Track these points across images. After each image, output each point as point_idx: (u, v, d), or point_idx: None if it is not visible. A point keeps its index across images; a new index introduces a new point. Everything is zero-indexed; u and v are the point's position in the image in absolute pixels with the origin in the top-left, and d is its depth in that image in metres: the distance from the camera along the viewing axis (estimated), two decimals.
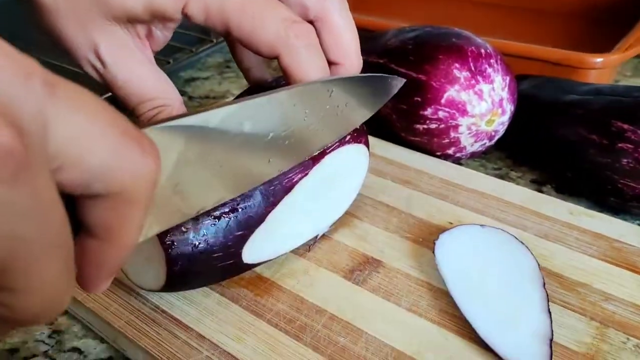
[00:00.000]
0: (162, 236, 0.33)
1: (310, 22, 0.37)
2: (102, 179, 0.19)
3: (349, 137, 0.40)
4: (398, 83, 0.42)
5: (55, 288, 0.18)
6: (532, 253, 0.38)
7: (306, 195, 0.38)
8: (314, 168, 0.38)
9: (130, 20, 0.35)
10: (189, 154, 0.26)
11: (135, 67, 0.36)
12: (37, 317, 0.19)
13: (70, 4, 0.33)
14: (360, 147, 0.42)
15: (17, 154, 0.15)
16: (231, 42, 0.44)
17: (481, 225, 0.41)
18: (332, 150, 0.39)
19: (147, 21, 0.35)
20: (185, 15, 0.34)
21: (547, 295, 0.36)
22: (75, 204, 0.20)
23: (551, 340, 0.33)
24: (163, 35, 0.37)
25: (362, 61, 0.39)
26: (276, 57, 0.34)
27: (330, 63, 0.38)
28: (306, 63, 0.34)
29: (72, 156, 0.18)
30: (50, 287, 0.18)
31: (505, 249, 0.39)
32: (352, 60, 0.38)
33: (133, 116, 0.37)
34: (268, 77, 0.45)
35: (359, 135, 0.41)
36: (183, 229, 0.34)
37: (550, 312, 0.34)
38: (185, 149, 0.26)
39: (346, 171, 0.41)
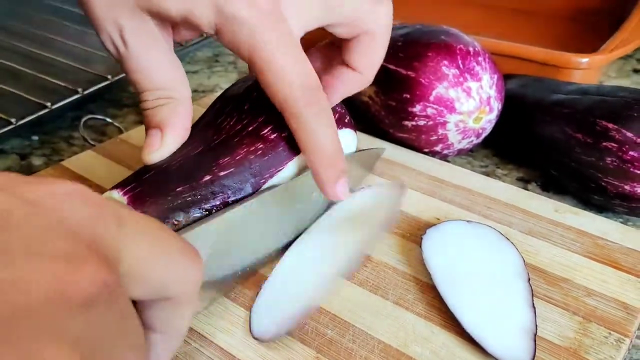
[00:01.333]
0: None
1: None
2: (163, 290, 0.22)
3: None
4: (380, 152, 0.48)
5: None
6: (517, 249, 0.39)
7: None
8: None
9: (161, 19, 0.35)
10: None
11: (154, 55, 0.36)
12: None
13: None
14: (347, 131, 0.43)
15: (111, 283, 0.18)
16: None
17: (467, 221, 0.41)
18: None
19: (177, 25, 0.35)
20: (216, 35, 0.34)
21: (532, 290, 0.36)
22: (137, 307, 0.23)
23: (535, 334, 0.34)
24: (190, 34, 0.38)
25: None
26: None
27: (351, 69, 0.41)
28: (312, 131, 0.35)
29: (138, 275, 0.21)
30: None
31: (491, 245, 0.39)
32: (371, 76, 0.42)
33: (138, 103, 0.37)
34: None
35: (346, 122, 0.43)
36: (175, 221, 0.34)
37: (534, 307, 0.35)
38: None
39: None
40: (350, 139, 0.44)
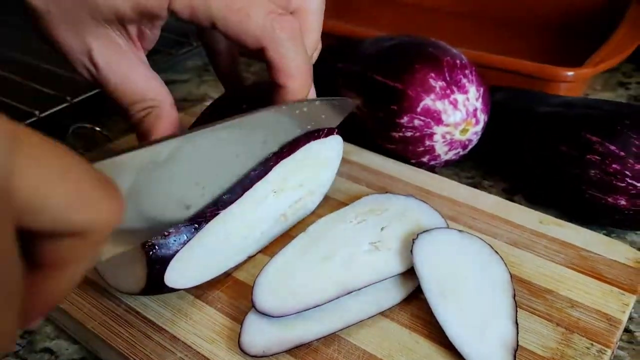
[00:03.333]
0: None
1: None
2: (66, 224, 0.19)
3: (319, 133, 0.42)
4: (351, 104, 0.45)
5: (6, 328, 0.18)
6: (505, 264, 0.39)
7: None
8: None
9: (119, 21, 0.35)
10: (138, 184, 0.28)
11: (127, 70, 0.37)
12: None
13: (62, 9, 0.34)
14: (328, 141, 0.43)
15: None
16: (208, 47, 0.45)
17: (459, 231, 0.41)
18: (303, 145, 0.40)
19: (135, 20, 0.35)
20: (170, 12, 0.35)
21: (517, 306, 0.36)
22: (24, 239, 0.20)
23: (516, 350, 0.34)
24: (152, 34, 0.38)
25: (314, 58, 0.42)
26: (261, 50, 0.35)
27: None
28: (290, 55, 0.36)
29: (36, 202, 0.18)
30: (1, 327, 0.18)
31: (480, 257, 0.39)
32: (311, 51, 0.41)
33: (125, 117, 0.38)
34: (244, 81, 0.45)
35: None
36: (165, 232, 0.34)
37: (517, 324, 0.35)
38: (135, 181, 0.27)
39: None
40: (337, 145, 0.44)
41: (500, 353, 0.34)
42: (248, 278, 0.40)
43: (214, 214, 0.36)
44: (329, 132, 0.42)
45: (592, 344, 0.35)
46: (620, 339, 0.39)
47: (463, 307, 0.36)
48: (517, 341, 0.34)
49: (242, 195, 0.37)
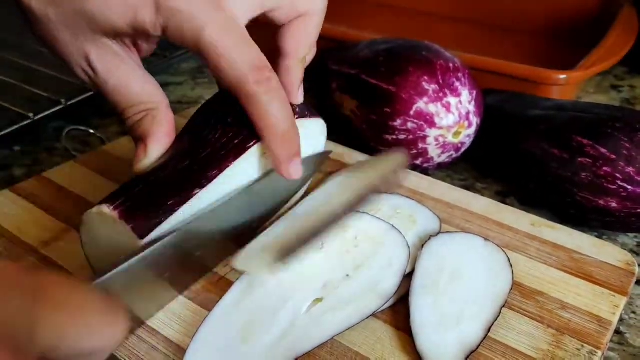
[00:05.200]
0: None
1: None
2: (77, 350, 0.22)
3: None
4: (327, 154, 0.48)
5: None
6: (512, 277, 0.39)
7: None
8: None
9: (115, 35, 0.36)
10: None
11: (124, 74, 0.37)
12: None
13: (61, 15, 0.35)
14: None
15: None
16: None
17: (484, 239, 0.42)
18: None
19: (131, 35, 0.36)
20: (163, 34, 0.35)
21: (498, 316, 0.36)
22: None
23: (471, 353, 0.34)
24: (149, 46, 0.39)
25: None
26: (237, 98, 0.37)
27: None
28: (264, 109, 0.36)
29: (55, 341, 0.21)
30: None
31: (491, 267, 0.40)
32: (304, 56, 0.42)
33: (121, 121, 0.39)
34: None
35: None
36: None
37: (488, 332, 0.35)
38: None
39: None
40: (319, 128, 0.45)
41: (453, 352, 0.34)
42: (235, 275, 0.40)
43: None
44: (309, 114, 0.43)
45: (582, 346, 0.35)
46: (611, 341, 0.39)
47: (440, 301, 0.37)
48: (478, 346, 0.35)
49: (219, 174, 0.38)
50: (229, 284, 0.39)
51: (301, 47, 0.41)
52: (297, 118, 0.41)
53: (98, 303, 0.23)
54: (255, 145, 0.39)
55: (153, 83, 0.39)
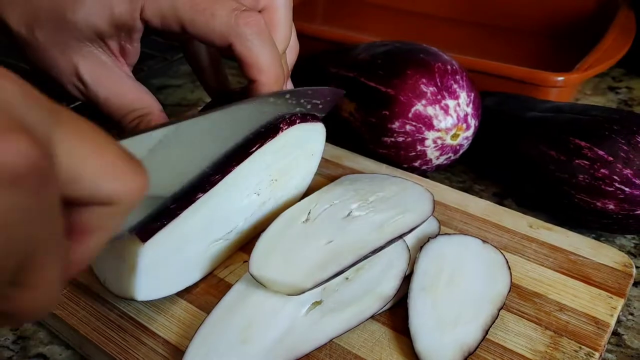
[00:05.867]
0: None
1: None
2: (97, 191, 0.21)
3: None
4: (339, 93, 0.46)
5: (54, 285, 0.20)
6: (510, 280, 0.39)
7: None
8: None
9: (100, 37, 0.37)
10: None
11: (113, 83, 0.38)
12: (36, 312, 0.21)
13: (48, 35, 0.36)
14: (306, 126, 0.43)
15: (44, 169, 0.18)
16: (191, 62, 0.46)
17: (483, 241, 0.42)
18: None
19: (114, 34, 0.37)
20: (144, 22, 0.36)
21: (497, 317, 0.37)
22: None
23: (469, 355, 0.34)
24: (133, 47, 0.40)
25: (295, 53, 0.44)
26: (229, 46, 0.36)
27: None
28: (257, 49, 0.37)
29: (73, 172, 0.20)
30: (52, 284, 0.20)
31: (489, 269, 0.40)
32: (282, 47, 0.42)
33: (118, 128, 0.39)
34: (231, 87, 0.46)
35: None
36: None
37: (486, 333, 0.36)
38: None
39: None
40: (319, 131, 0.45)
41: (452, 353, 0.34)
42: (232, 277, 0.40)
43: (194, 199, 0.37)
44: (310, 119, 0.43)
45: (580, 347, 0.36)
46: (609, 342, 0.39)
47: (439, 302, 0.37)
48: (476, 348, 0.35)
49: (221, 179, 0.38)
50: (228, 286, 0.39)
51: (281, 41, 0.41)
52: (297, 123, 0.41)
53: (121, 149, 0.22)
54: (258, 150, 0.39)
55: (143, 89, 0.40)
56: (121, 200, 0.22)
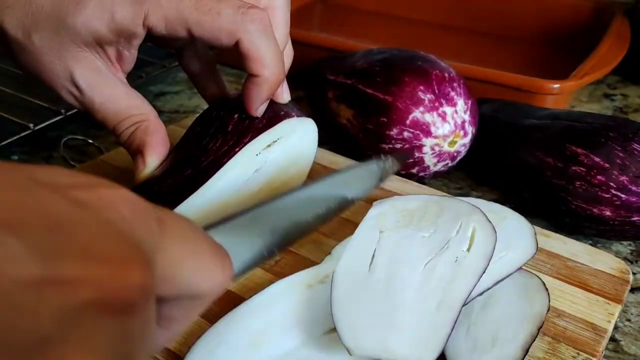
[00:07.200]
0: None
1: None
2: (189, 289, 0.22)
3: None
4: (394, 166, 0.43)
5: None
6: (549, 300, 0.38)
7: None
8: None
9: (98, 43, 0.37)
10: None
11: (109, 90, 0.38)
12: None
13: (45, 39, 0.36)
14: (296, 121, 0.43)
15: (149, 288, 0.18)
16: (188, 71, 0.47)
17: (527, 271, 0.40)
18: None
19: (113, 40, 0.37)
20: (147, 28, 0.36)
21: (537, 336, 0.35)
22: None
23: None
24: (130, 54, 0.39)
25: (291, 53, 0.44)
26: (236, 43, 0.37)
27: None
28: (263, 45, 0.37)
29: (169, 275, 0.21)
30: None
31: (528, 293, 0.38)
32: (281, 47, 0.41)
33: (112, 135, 0.39)
34: (227, 92, 0.47)
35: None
36: None
37: (527, 351, 0.34)
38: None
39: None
40: (311, 128, 0.45)
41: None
42: (239, 289, 0.40)
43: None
44: (300, 114, 0.43)
45: (578, 353, 0.36)
46: (606, 348, 0.39)
47: (472, 326, 0.36)
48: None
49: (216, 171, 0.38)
50: (235, 298, 0.39)
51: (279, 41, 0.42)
52: (287, 118, 0.41)
53: (212, 245, 0.23)
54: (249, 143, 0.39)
55: (138, 96, 0.40)
56: (211, 294, 0.23)
